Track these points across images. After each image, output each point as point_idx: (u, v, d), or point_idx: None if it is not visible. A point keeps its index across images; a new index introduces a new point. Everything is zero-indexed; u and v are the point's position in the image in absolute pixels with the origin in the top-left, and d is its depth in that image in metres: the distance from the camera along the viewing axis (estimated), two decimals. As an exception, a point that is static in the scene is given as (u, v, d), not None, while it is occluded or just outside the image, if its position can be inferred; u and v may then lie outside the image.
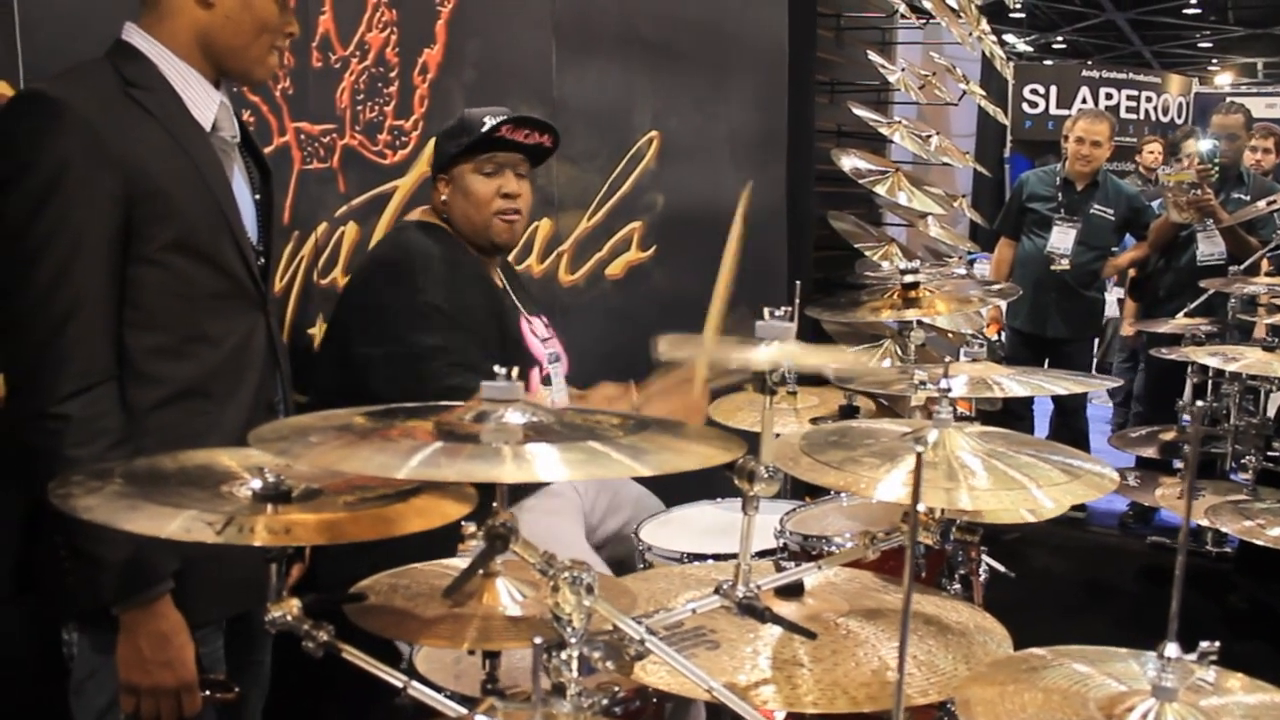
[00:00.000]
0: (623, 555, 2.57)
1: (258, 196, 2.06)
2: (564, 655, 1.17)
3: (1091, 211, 5.49)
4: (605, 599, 1.25)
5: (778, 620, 1.39)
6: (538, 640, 1.01)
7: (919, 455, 0.90)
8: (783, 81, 4.24)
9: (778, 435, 1.59)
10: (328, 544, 1.21)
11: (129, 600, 1.75)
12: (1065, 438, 5.35)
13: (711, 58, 4.03)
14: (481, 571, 1.37)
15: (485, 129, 2.52)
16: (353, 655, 1.28)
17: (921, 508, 1.59)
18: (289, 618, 1.30)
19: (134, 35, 1.88)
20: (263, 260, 2.03)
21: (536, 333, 2.70)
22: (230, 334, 1.92)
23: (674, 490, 2.76)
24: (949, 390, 1.56)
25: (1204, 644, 1.17)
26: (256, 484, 1.28)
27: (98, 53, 1.87)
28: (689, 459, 1.19)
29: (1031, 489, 1.48)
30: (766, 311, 1.35)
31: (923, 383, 1.77)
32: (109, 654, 1.80)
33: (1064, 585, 4.81)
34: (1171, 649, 1.17)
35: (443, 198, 2.62)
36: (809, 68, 4.87)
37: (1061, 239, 5.47)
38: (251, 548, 1.18)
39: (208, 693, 1.82)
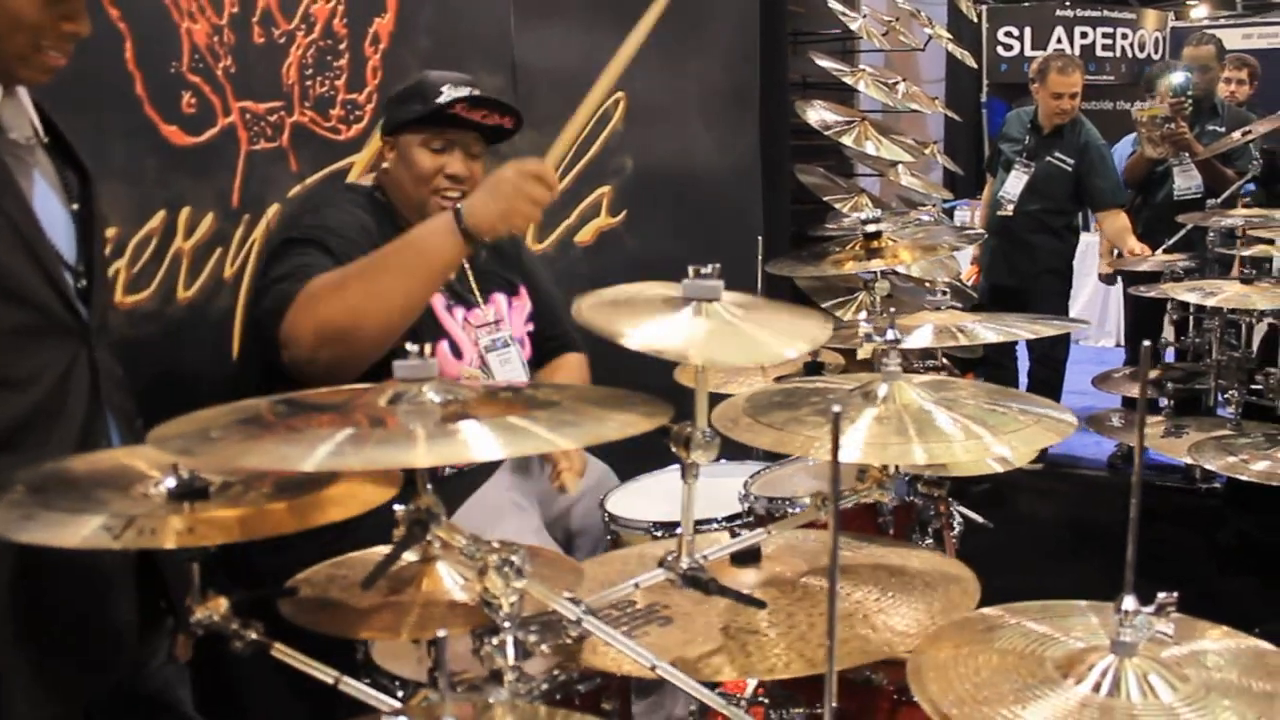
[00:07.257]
0: (593, 533, 2.50)
1: (75, 206, 1.77)
2: (496, 641, 1.13)
3: (1049, 159, 5.31)
4: (541, 579, 1.20)
5: (723, 591, 1.34)
6: (441, 634, 0.96)
7: (836, 415, 0.85)
8: (754, 33, 4.13)
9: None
10: (241, 540, 1.16)
11: None
12: (1036, 385, 5.31)
13: (679, 10, 3.90)
14: (418, 558, 1.33)
15: (440, 102, 2.33)
16: (282, 653, 1.23)
17: (878, 464, 1.55)
18: (215, 618, 1.24)
19: None
20: (84, 281, 1.74)
21: (480, 317, 2.48)
22: (40, 374, 1.63)
23: (642, 458, 2.70)
24: (897, 341, 1.51)
25: (1161, 595, 1.13)
26: (171, 482, 1.23)
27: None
28: (611, 428, 1.14)
29: (986, 437, 1.44)
30: (691, 270, 1.25)
31: (869, 335, 1.72)
32: None
33: (1053, 530, 4.81)
34: (1129, 602, 1.13)
35: (384, 164, 2.42)
36: (781, 18, 4.75)
37: (1013, 184, 5.28)
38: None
39: None
